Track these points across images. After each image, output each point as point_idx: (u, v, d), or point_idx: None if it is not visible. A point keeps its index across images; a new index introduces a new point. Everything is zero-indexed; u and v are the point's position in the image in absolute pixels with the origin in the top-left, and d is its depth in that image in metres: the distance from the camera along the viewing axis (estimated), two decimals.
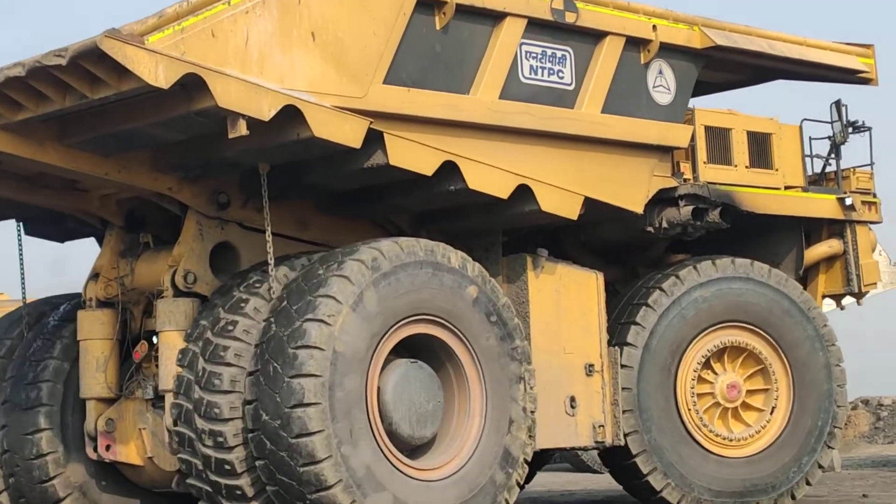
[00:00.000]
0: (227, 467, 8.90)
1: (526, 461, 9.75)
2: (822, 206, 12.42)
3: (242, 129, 8.15)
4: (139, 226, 10.34)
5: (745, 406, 11.74)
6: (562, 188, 10.11)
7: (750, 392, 11.73)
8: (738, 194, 11.50)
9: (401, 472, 9.02)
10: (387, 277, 8.99)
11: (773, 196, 11.89)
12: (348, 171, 9.31)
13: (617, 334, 11.03)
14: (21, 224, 11.22)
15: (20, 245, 11.15)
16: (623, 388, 10.85)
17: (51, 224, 11.33)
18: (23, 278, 11.21)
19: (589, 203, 10.35)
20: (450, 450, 9.46)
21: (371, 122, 8.82)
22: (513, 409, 9.63)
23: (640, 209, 10.76)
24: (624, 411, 10.82)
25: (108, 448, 10.05)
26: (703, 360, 11.46)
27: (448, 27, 9.44)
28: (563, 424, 10.46)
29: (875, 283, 12.95)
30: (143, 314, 10.23)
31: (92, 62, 7.76)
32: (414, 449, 9.34)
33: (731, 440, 11.52)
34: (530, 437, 9.77)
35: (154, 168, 9.43)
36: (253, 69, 8.34)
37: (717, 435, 11.43)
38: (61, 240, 12.00)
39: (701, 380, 11.42)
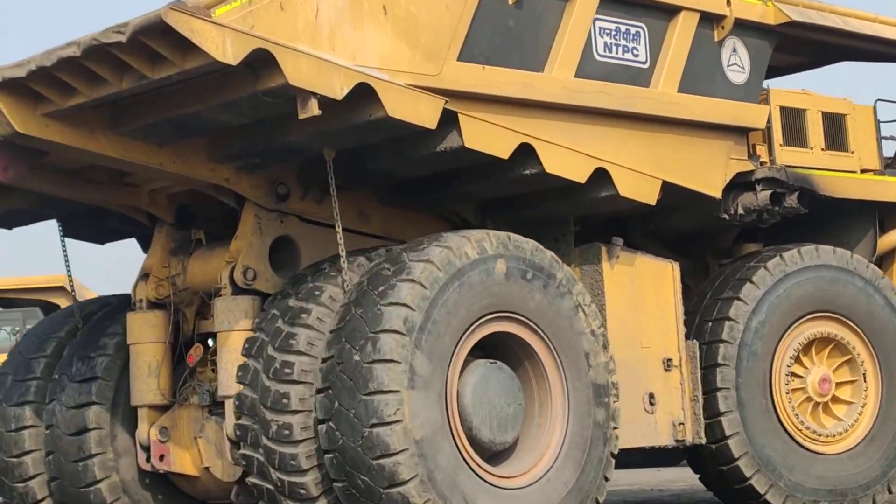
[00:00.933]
0: (303, 492, 8.36)
1: (612, 455, 9.22)
2: None
3: (314, 108, 7.63)
4: (190, 222, 9.82)
5: (835, 400, 11.18)
6: (639, 172, 9.59)
7: (839, 385, 11.17)
8: (816, 178, 10.97)
9: (484, 480, 8.49)
10: (464, 274, 8.46)
11: (849, 179, 11.38)
12: (419, 155, 8.78)
13: (708, 331, 10.47)
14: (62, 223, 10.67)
15: (64, 245, 10.63)
16: (721, 388, 10.29)
17: (91, 224, 10.82)
18: (70, 278, 10.68)
19: (666, 188, 9.82)
20: (533, 454, 8.91)
21: (446, 102, 8.30)
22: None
23: (718, 193, 10.24)
24: (724, 412, 10.27)
25: (161, 458, 9.51)
26: (795, 353, 10.90)
27: (521, 1, 8.92)
28: (642, 422, 9.93)
29: None
30: (197, 315, 9.70)
31: (154, 38, 7.23)
32: (494, 455, 8.79)
33: (825, 436, 10.95)
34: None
35: (211, 158, 8.92)
36: (324, 45, 7.83)
37: (812, 431, 10.87)
38: (101, 241, 11.49)
39: (792, 375, 10.84)
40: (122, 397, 9.80)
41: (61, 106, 7.98)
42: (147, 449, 9.56)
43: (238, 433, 8.62)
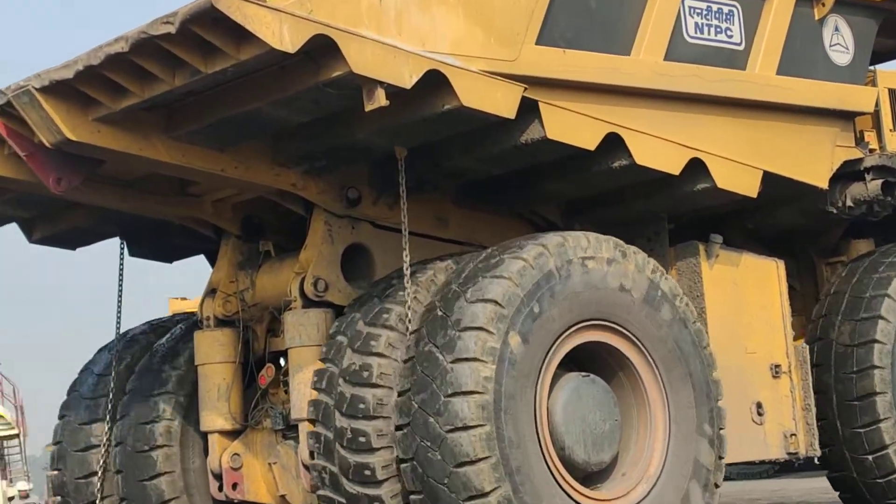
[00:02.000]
0: (367, 472, 7.74)
1: (722, 469, 8.57)
2: None
3: (381, 99, 7.08)
4: (257, 233, 9.34)
5: None
6: (738, 161, 8.96)
7: None
8: None
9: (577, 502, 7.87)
10: (552, 280, 7.85)
11: None
12: (498, 150, 8.22)
13: (855, 332, 9.86)
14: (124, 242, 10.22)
15: (122, 264, 10.20)
16: (879, 393, 9.66)
17: (156, 241, 10.36)
18: (120, 297, 10.22)
19: (767, 178, 9.17)
20: (632, 472, 8.29)
21: (525, 89, 7.74)
22: (703, 411, 8.49)
23: (824, 184, 9.59)
24: (881, 419, 9.64)
25: (234, 487, 9.04)
26: None
27: None
28: (750, 434, 9.29)
29: None
30: (268, 333, 9.19)
31: (206, 27, 6.72)
32: (589, 475, 8.17)
33: None
34: (722, 452, 8.56)
35: (275, 161, 8.40)
36: (390, 30, 7.28)
37: None
38: (169, 259, 11.01)
39: None
40: (194, 416, 9.35)
41: (113, 109, 7.50)
42: (219, 477, 9.08)
43: (311, 441, 8.07)
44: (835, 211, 10.02)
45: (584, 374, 8.14)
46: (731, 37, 9.05)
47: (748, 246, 10.58)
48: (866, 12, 9.96)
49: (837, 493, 10.46)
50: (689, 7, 8.82)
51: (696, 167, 8.72)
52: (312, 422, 8.05)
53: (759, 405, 9.30)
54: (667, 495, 8.22)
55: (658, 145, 8.50)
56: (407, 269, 8.03)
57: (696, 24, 8.85)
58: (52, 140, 7.58)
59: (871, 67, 10.27)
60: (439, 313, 7.67)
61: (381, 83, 7.07)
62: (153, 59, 7.09)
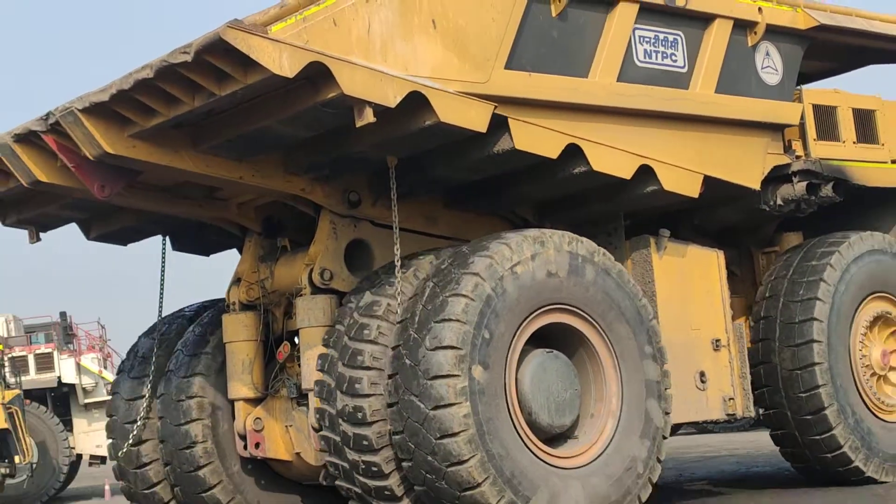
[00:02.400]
0: (375, 469, 7.66)
1: (664, 436, 8.36)
2: None
3: (369, 116, 6.93)
4: (276, 231, 9.18)
5: (891, 370, 10.34)
6: (682, 167, 8.78)
7: (892, 354, 10.34)
8: (849, 168, 10.08)
9: (544, 461, 7.70)
10: (518, 271, 7.69)
11: (881, 169, 10.46)
12: (474, 160, 8.05)
13: (797, 310, 9.64)
14: (167, 239, 10.06)
15: (164, 260, 10.04)
16: (818, 363, 9.45)
17: (194, 238, 10.20)
18: (161, 290, 10.08)
19: (709, 181, 8.98)
20: (588, 435, 8.09)
21: (496, 107, 7.56)
22: (652, 387, 8.29)
23: (757, 185, 9.39)
24: (819, 385, 9.43)
25: (257, 446, 8.87)
26: (864, 331, 10.07)
27: (564, 14, 8.16)
28: (694, 399, 9.08)
29: None
30: (284, 315, 9.02)
31: (217, 56, 6.58)
32: (553, 438, 7.99)
33: (889, 405, 10.14)
34: (667, 413, 8.38)
35: (286, 170, 8.26)
36: (376, 57, 7.10)
37: (881, 401, 10.06)
38: (206, 253, 10.83)
39: (862, 351, 10.03)
40: (222, 390, 9.16)
41: (144, 126, 7.35)
42: (244, 438, 8.92)
43: (323, 443, 8.02)
44: (767, 209, 9.82)
45: (548, 350, 7.95)
46: (675, 61, 8.85)
47: (698, 239, 10.41)
48: (793, 39, 9.74)
49: (779, 448, 10.18)
50: (640, 36, 8.61)
51: (645, 172, 8.54)
52: (318, 399, 7.93)
53: (702, 374, 9.10)
54: (620, 451, 8.04)
55: (612, 154, 8.32)
56: (398, 267, 7.89)
57: (645, 50, 8.65)
58: (94, 153, 7.44)
59: (798, 87, 9.99)
60: (420, 307, 7.60)
61: (369, 103, 6.92)
62: (175, 84, 6.94)
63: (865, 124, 10.42)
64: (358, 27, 7.03)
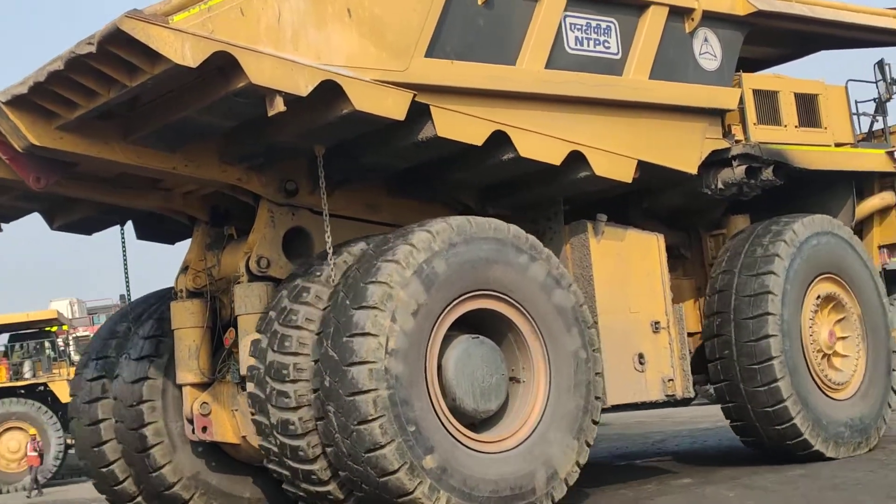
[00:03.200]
0: (301, 454, 7.23)
1: (594, 421, 7.84)
2: (872, 160, 10.40)
3: (280, 105, 6.46)
4: (223, 220, 8.70)
5: (836, 352, 9.80)
6: (615, 153, 8.24)
7: (839, 338, 9.81)
8: (789, 152, 9.50)
9: (466, 446, 7.20)
10: (437, 258, 7.19)
11: (823, 152, 9.87)
12: (401, 147, 7.55)
13: (753, 285, 9.11)
14: (124, 228, 9.61)
15: (124, 246, 9.61)
16: (771, 336, 8.90)
17: (156, 226, 9.74)
18: (127, 278, 9.67)
19: (644, 166, 8.44)
20: (516, 419, 7.59)
21: (415, 95, 7.05)
22: (581, 371, 7.75)
23: (694, 170, 8.84)
24: (773, 357, 8.89)
25: (204, 429, 8.44)
26: (814, 311, 9.52)
27: (490, 2, 7.63)
28: (632, 380, 8.56)
29: None
30: (231, 303, 8.52)
31: (120, 46, 6.12)
32: (482, 422, 7.50)
33: (838, 383, 9.62)
34: (597, 397, 7.86)
35: (222, 160, 7.79)
36: (287, 47, 6.62)
37: (830, 380, 9.53)
38: (171, 241, 10.35)
39: (812, 330, 9.49)
40: (172, 374, 8.71)
41: (68, 118, 6.91)
42: (192, 422, 8.47)
43: (250, 402, 7.54)
44: (710, 192, 9.28)
45: (473, 335, 7.46)
46: (608, 48, 8.31)
47: (648, 222, 9.90)
48: (732, 25, 9.18)
49: (729, 420, 9.65)
50: (570, 23, 8.08)
51: (577, 158, 8.02)
52: (251, 384, 7.50)
53: (640, 356, 8.58)
54: (547, 434, 7.54)
55: (541, 140, 7.80)
56: (330, 255, 7.43)
57: (577, 37, 8.12)
58: (22, 146, 7.02)
59: (738, 72, 9.40)
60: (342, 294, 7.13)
61: (279, 92, 6.44)
62: (87, 76, 6.50)
63: (808, 108, 9.86)
64: (267, 16, 6.55)
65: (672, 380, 8.74)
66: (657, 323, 8.74)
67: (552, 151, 7.84)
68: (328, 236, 7.42)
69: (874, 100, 10.75)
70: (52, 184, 7.64)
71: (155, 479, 8.73)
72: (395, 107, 6.94)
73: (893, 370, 10.14)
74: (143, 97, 6.91)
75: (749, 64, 10.75)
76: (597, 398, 7.83)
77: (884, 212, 10.63)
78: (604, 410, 8.36)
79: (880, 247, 10.74)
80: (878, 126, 10.77)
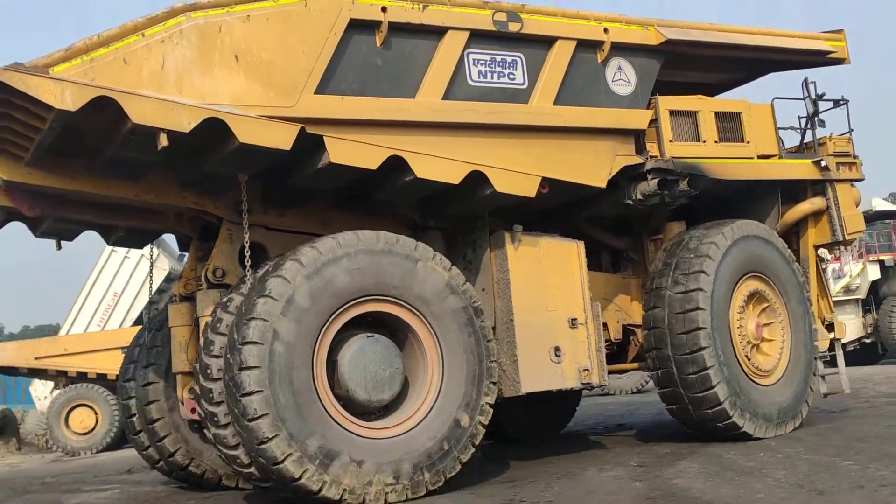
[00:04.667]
0: (226, 441, 6.63)
1: (490, 405, 6.92)
2: (798, 169, 9.00)
3: (164, 141, 5.84)
4: (213, 236, 8.12)
5: (762, 341, 8.56)
6: (517, 171, 7.26)
7: (765, 329, 8.56)
8: (705, 165, 8.27)
9: (356, 434, 6.41)
10: (324, 271, 6.40)
11: (742, 164, 8.58)
12: (311, 172, 6.80)
13: (682, 283, 8.02)
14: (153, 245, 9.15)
15: (151, 263, 9.15)
16: (701, 328, 7.86)
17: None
18: (151, 281, 9.18)
19: (552, 182, 7.43)
20: (412, 404, 6.73)
21: (303, 128, 6.28)
22: (472, 362, 6.84)
23: (602, 184, 7.75)
24: (703, 347, 7.83)
25: (193, 410, 7.85)
26: (742, 306, 8.34)
27: (389, 43, 6.79)
28: (548, 370, 7.56)
29: (861, 233, 9.31)
30: None
31: (11, 95, 5.58)
32: (379, 410, 6.69)
33: (764, 370, 8.39)
34: (492, 383, 6.94)
35: (178, 186, 7.20)
36: (170, 90, 5.96)
37: (756, 367, 8.33)
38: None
39: (740, 323, 8.31)
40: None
41: (26, 157, 6.43)
42: (183, 403, 7.92)
43: (191, 397, 7.07)
44: (631, 202, 8.18)
45: (369, 335, 6.63)
46: (513, 79, 7.33)
47: (595, 230, 8.94)
48: (646, 54, 8.05)
49: (666, 404, 8.49)
50: (473, 59, 7.15)
51: (479, 178, 7.07)
52: (197, 378, 6.93)
53: (556, 349, 7.58)
54: (437, 421, 6.67)
55: (438, 163, 6.92)
56: (248, 268, 6.75)
57: (480, 71, 7.18)
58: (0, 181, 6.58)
59: (654, 96, 8.21)
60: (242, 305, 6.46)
61: (163, 129, 5.78)
62: (11, 121, 5.98)
63: (730, 125, 8.57)
64: (150, 64, 5.90)
65: (587, 369, 7.69)
66: (574, 319, 7.71)
67: (450, 172, 6.94)
68: (247, 251, 6.74)
69: (802, 118, 9.38)
70: (43, 212, 7.24)
71: (160, 447, 8.32)
72: (281, 138, 6.20)
73: (815, 358, 8.76)
74: (87, 136, 6.37)
75: (710, 88, 9.55)
76: (492, 383, 6.89)
77: (818, 215, 9.20)
78: (519, 397, 7.44)
79: (816, 246, 9.30)
80: (811, 139, 9.33)
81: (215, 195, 7.32)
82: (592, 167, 7.63)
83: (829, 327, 9.38)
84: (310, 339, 6.27)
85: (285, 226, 7.57)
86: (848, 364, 22.59)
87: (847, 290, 20.98)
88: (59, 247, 8.65)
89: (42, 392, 20.10)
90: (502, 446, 9.98)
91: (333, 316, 6.41)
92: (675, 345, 7.99)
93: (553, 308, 7.65)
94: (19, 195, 6.99)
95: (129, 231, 8.38)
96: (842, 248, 9.63)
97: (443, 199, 7.58)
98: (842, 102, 9.34)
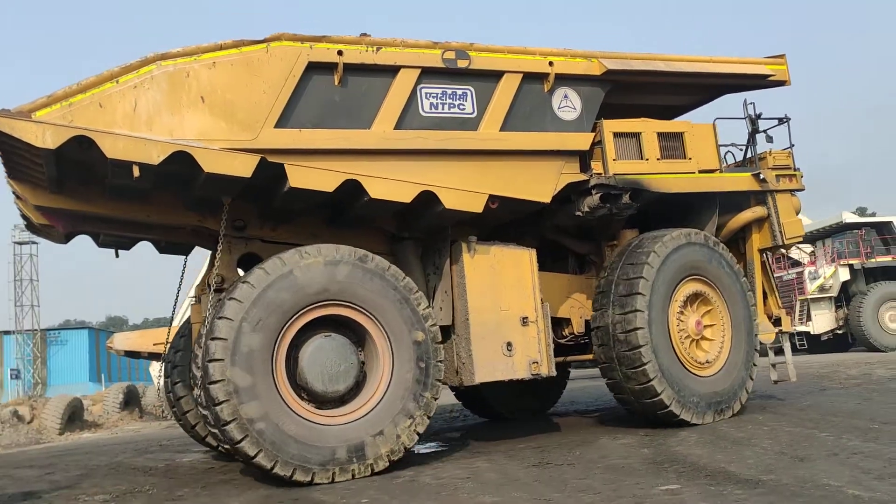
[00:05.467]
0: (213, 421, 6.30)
1: (438, 381, 6.54)
2: (738, 181, 8.29)
3: (136, 172, 5.62)
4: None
5: (703, 337, 7.90)
6: (466, 190, 6.83)
7: (706, 326, 7.91)
8: (646, 180, 7.68)
9: (311, 421, 6.12)
10: (285, 279, 6.12)
11: (682, 178, 7.94)
12: (282, 196, 6.50)
13: (627, 287, 7.44)
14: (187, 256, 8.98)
15: (183, 270, 9.01)
16: (639, 328, 7.30)
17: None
18: (179, 286, 9.04)
19: (500, 199, 6.98)
20: (366, 394, 6.40)
21: (262, 158, 6.01)
22: (417, 348, 6.47)
23: (547, 199, 7.27)
24: (640, 345, 7.28)
25: None
26: (681, 306, 7.71)
27: (346, 81, 6.46)
28: (501, 363, 7.13)
29: (800, 237, 8.54)
30: None
31: (2, 137, 5.45)
32: (337, 400, 6.37)
33: (703, 363, 7.76)
34: (438, 361, 6.55)
35: (184, 208, 7.01)
36: (141, 128, 5.77)
37: (696, 360, 7.70)
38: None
39: (679, 320, 7.70)
40: None
41: (46, 186, 6.34)
42: None
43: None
44: (581, 214, 7.65)
45: (327, 334, 6.33)
46: (463, 109, 6.92)
47: (561, 236, 8.43)
48: (590, 83, 7.51)
49: (613, 394, 7.95)
50: (426, 93, 6.77)
51: (429, 196, 6.69)
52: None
53: (508, 344, 7.14)
54: (388, 408, 6.32)
55: (390, 184, 6.57)
56: (211, 284, 6.55)
57: (432, 103, 6.79)
58: (26, 206, 6.51)
59: (598, 119, 7.66)
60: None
61: (135, 163, 5.58)
62: (22, 158, 5.87)
63: (672, 144, 7.94)
64: (124, 107, 5.72)
65: (537, 362, 7.22)
66: (526, 318, 7.25)
67: (402, 192, 6.58)
68: (218, 261, 6.49)
69: (745, 140, 8.67)
70: (76, 230, 7.16)
71: (183, 421, 8.21)
72: (242, 167, 5.95)
73: (756, 350, 8.06)
74: (96, 167, 6.22)
75: (676, 110, 8.93)
76: (438, 381, 6.50)
77: (761, 222, 8.46)
78: (474, 387, 7.04)
79: (760, 250, 8.57)
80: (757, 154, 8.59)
81: (215, 214, 7.11)
82: (538, 184, 7.15)
83: (777, 322, 8.64)
84: (271, 338, 6.02)
85: (278, 238, 7.32)
86: (822, 351, 21.47)
87: (822, 289, 20.82)
88: (118, 255, 8.60)
89: (159, 371, 20.53)
90: (507, 423, 9.59)
91: (291, 321, 6.13)
92: (617, 341, 7.47)
93: (506, 308, 7.21)
94: (53, 216, 6.92)
95: (168, 243, 8.26)
96: (786, 251, 8.83)
97: (412, 214, 7.23)
98: (784, 120, 8.57)
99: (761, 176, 8.20)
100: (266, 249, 7.34)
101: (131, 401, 20.97)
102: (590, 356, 8.39)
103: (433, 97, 6.78)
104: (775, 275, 20.93)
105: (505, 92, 7.01)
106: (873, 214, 31.15)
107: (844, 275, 20.63)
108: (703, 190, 7.97)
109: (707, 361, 7.76)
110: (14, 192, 6.59)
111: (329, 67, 6.37)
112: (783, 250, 8.67)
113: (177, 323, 20.51)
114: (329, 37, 6.34)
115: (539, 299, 7.34)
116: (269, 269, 6.11)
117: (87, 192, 6.65)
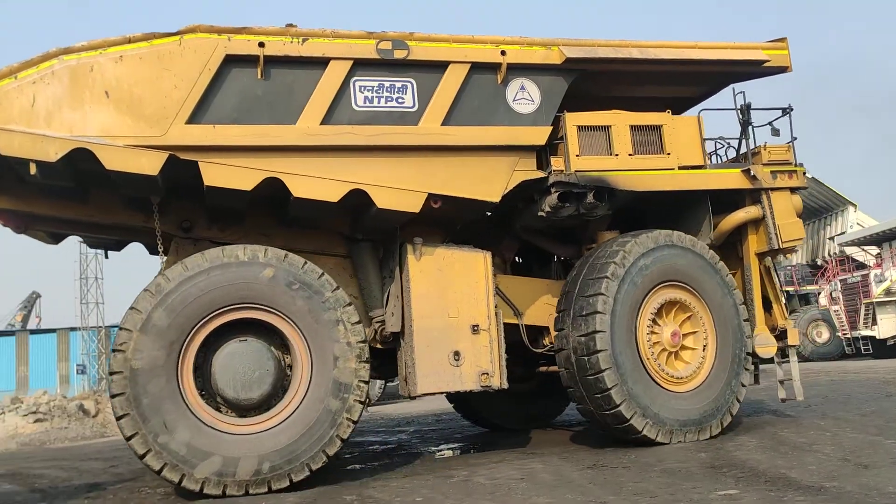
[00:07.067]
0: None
1: (363, 382, 5.95)
2: (725, 179, 7.31)
3: (33, 169, 5.29)
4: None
5: (683, 348, 7.03)
6: (402, 188, 6.21)
7: (685, 336, 7.02)
8: (612, 177, 6.83)
9: (217, 429, 5.66)
10: (174, 292, 5.69)
11: (659, 175, 7.03)
12: (207, 194, 6.05)
13: (586, 305, 6.66)
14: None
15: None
16: (600, 351, 6.51)
17: None
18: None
19: (441, 198, 6.31)
20: (285, 399, 5.88)
21: (171, 154, 5.58)
22: (335, 347, 5.90)
23: (496, 199, 6.55)
24: (599, 350, 6.50)
25: None
26: (653, 316, 6.87)
27: (269, 74, 5.96)
28: (447, 373, 6.48)
29: (800, 240, 7.45)
30: None
31: None
32: (255, 407, 5.87)
33: (680, 378, 6.89)
34: (361, 362, 5.95)
35: (123, 206, 6.67)
36: (39, 125, 5.45)
37: (670, 375, 6.85)
38: None
39: (651, 332, 6.85)
40: None
41: (11, 190, 6.13)
42: None
43: None
44: (544, 214, 6.89)
45: (241, 339, 5.83)
46: (402, 102, 6.30)
47: (538, 238, 7.69)
48: (550, 73, 6.73)
49: (575, 405, 7.12)
50: (360, 86, 6.19)
51: (360, 195, 6.09)
52: None
53: (456, 353, 6.50)
54: (307, 411, 5.79)
55: (315, 182, 6.04)
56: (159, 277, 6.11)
57: (366, 96, 6.21)
58: None
59: (561, 112, 6.86)
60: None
61: (30, 160, 5.25)
62: None
63: (648, 138, 7.05)
64: (21, 103, 5.41)
65: (487, 373, 6.52)
66: (476, 325, 6.57)
67: (329, 191, 6.03)
68: (163, 261, 6.13)
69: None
70: (28, 229, 6.94)
71: None
72: (148, 165, 5.55)
73: (754, 363, 7.07)
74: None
75: (684, 102, 8.01)
76: (362, 362, 5.94)
77: (757, 223, 7.44)
78: (464, 394, 6.44)
79: (758, 254, 7.53)
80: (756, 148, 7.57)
81: (161, 214, 6.73)
82: (485, 183, 6.45)
83: (782, 334, 7.57)
84: (176, 344, 5.60)
85: (227, 239, 6.91)
86: (888, 356, 19.47)
87: (888, 292, 18.99)
88: (107, 256, 8.42)
89: None
90: (555, 427, 8.90)
91: (198, 325, 5.68)
92: (576, 346, 6.68)
93: (455, 314, 6.55)
94: (4, 215, 6.71)
95: (149, 245, 7.99)
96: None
97: (363, 214, 6.66)
98: (787, 111, 7.52)
99: (752, 172, 7.18)
100: None
101: None
102: None
103: (368, 90, 6.19)
104: (839, 277, 18.95)
105: (450, 84, 6.35)
106: None
107: None
108: (682, 188, 7.04)
109: (684, 376, 6.84)
110: None
111: (251, 60, 5.89)
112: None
113: None
114: (250, 28, 5.86)
115: (493, 306, 6.63)
116: (190, 264, 5.70)
117: (24, 191, 6.40)
